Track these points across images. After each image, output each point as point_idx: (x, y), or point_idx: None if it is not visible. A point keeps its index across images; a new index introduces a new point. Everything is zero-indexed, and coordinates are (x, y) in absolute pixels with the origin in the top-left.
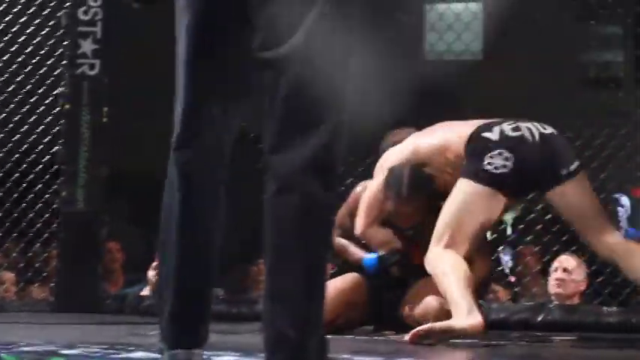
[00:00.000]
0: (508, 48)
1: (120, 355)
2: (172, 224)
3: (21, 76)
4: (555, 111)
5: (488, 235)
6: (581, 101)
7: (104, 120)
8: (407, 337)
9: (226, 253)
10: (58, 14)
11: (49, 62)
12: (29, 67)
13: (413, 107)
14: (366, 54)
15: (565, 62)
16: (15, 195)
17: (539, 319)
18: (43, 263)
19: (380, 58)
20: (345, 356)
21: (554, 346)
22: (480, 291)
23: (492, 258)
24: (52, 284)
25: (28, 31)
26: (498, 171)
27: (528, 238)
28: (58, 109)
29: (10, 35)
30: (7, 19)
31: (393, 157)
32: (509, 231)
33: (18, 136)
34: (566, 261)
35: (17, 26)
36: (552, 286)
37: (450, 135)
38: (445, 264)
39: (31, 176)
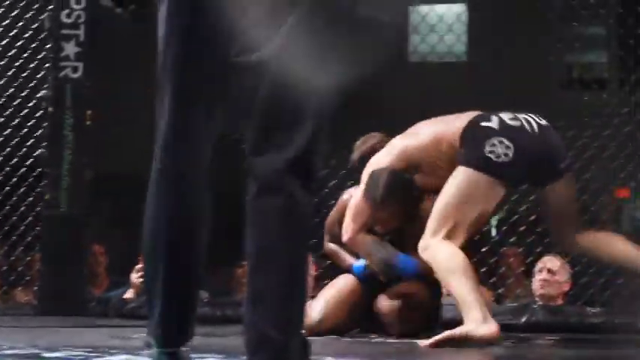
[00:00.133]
0: (492, 49)
1: (102, 358)
2: (159, 226)
3: (4, 79)
4: (539, 112)
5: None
6: (564, 102)
7: (87, 123)
8: (426, 343)
9: (211, 255)
10: (41, 17)
11: (32, 65)
12: (12, 70)
13: (395, 110)
14: (348, 56)
15: (549, 63)
16: None
17: (523, 320)
18: (27, 267)
19: (362, 61)
20: (329, 359)
21: (538, 347)
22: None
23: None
24: (36, 288)
25: (11, 34)
26: (499, 160)
27: (512, 240)
28: (41, 112)
29: None
30: None
31: (376, 161)
32: (493, 232)
33: (1, 139)
34: (550, 262)
35: (0, 29)
36: (537, 287)
37: (440, 127)
38: (450, 261)
39: (14, 179)
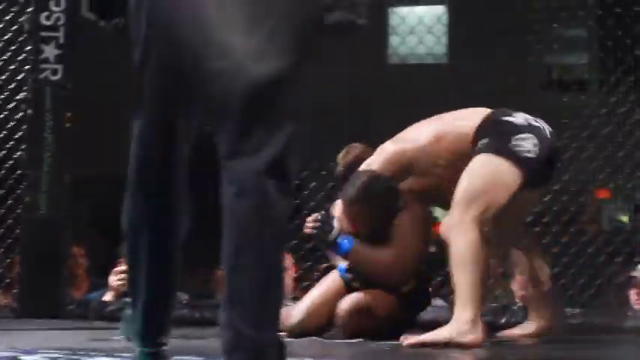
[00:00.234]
0: (472, 51)
1: None
2: (140, 229)
3: None
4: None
5: None
6: (544, 103)
7: (67, 125)
8: (408, 341)
9: (190, 257)
10: (21, 19)
11: (11, 67)
12: None
13: (375, 111)
14: (326, 59)
15: (529, 64)
16: None
17: (503, 320)
18: (6, 269)
19: (341, 63)
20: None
21: (517, 347)
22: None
23: None
24: (15, 290)
25: None
26: (526, 155)
27: None
28: (20, 114)
29: None
30: None
31: (367, 166)
32: None
33: None
34: None
35: None
36: (516, 289)
37: (439, 126)
38: (466, 250)
39: None
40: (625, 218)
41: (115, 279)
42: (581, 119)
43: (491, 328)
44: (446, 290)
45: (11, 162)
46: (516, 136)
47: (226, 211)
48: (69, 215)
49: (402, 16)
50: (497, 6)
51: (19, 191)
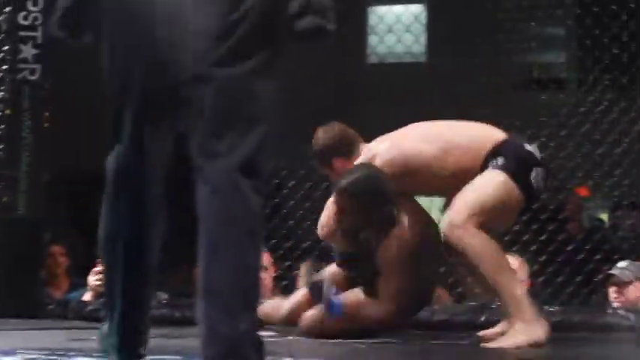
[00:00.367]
0: (451, 49)
1: None
2: (117, 236)
3: None
4: (497, 111)
5: None
6: (523, 102)
7: (45, 125)
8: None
9: (170, 256)
10: None
11: None
12: None
13: (353, 110)
14: (305, 59)
15: (507, 63)
16: None
17: (482, 319)
18: None
19: (320, 63)
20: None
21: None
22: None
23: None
24: None
25: None
26: (535, 189)
27: None
28: None
29: None
30: None
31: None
32: None
33: None
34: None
35: None
36: None
37: (449, 139)
38: (491, 249)
39: None
40: (604, 216)
41: (93, 279)
42: (559, 118)
43: (471, 327)
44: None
45: None
46: (534, 170)
47: (202, 209)
48: (48, 215)
49: (381, 15)
50: (476, 5)
51: None
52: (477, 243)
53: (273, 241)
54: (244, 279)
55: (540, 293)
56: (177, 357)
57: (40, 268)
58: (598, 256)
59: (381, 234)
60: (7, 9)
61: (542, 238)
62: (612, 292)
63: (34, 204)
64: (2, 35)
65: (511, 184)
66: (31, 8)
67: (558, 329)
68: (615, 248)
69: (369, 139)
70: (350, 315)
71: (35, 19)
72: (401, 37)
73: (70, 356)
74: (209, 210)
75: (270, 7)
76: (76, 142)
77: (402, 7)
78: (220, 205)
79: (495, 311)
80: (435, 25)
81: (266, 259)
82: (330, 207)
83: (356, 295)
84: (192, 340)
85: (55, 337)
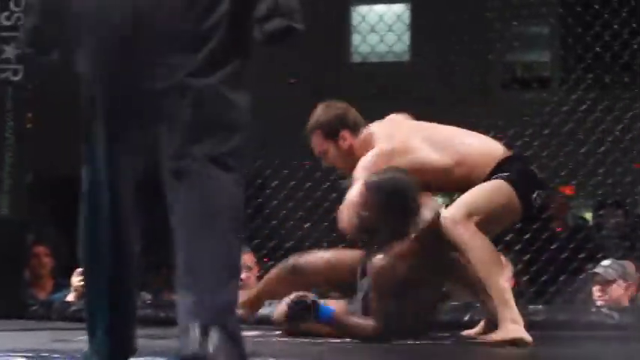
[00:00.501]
0: (434, 48)
1: None
2: (98, 240)
3: None
4: (481, 110)
5: None
6: (506, 101)
7: (28, 126)
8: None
9: (154, 256)
10: None
11: None
12: None
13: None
14: (286, 59)
15: (491, 62)
16: None
17: (467, 318)
18: None
19: (303, 63)
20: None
21: (479, 345)
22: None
23: None
24: None
25: None
26: (535, 206)
27: None
28: None
29: None
30: None
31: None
32: None
33: None
34: None
35: None
36: None
37: (461, 150)
38: (494, 257)
39: None
40: (588, 215)
41: (77, 280)
42: (542, 116)
43: (454, 326)
44: None
45: None
46: (537, 192)
47: (179, 208)
48: (31, 216)
49: (363, 14)
50: (458, 4)
51: None
52: (476, 241)
53: (257, 240)
54: (227, 255)
55: (524, 292)
56: (164, 358)
57: (24, 269)
58: (582, 255)
59: (390, 240)
60: None
61: (526, 236)
62: (596, 290)
63: (17, 204)
64: None
65: (513, 194)
66: (14, 8)
67: (542, 328)
68: (599, 247)
69: None
70: (337, 324)
71: (18, 19)
72: (384, 36)
73: (54, 357)
74: (187, 205)
75: (242, 12)
76: (59, 143)
77: (385, 7)
78: (200, 196)
79: (479, 310)
80: (417, 25)
81: (249, 258)
82: (353, 197)
83: (341, 306)
84: (176, 340)
85: (38, 338)
